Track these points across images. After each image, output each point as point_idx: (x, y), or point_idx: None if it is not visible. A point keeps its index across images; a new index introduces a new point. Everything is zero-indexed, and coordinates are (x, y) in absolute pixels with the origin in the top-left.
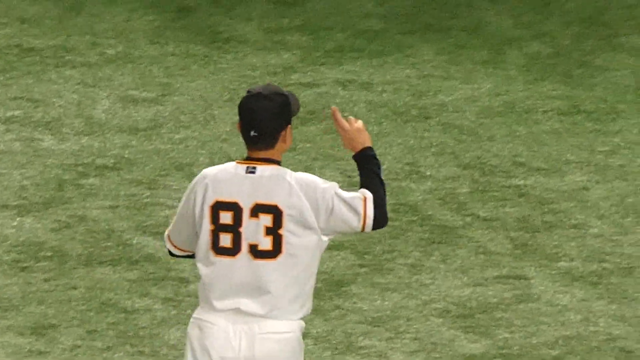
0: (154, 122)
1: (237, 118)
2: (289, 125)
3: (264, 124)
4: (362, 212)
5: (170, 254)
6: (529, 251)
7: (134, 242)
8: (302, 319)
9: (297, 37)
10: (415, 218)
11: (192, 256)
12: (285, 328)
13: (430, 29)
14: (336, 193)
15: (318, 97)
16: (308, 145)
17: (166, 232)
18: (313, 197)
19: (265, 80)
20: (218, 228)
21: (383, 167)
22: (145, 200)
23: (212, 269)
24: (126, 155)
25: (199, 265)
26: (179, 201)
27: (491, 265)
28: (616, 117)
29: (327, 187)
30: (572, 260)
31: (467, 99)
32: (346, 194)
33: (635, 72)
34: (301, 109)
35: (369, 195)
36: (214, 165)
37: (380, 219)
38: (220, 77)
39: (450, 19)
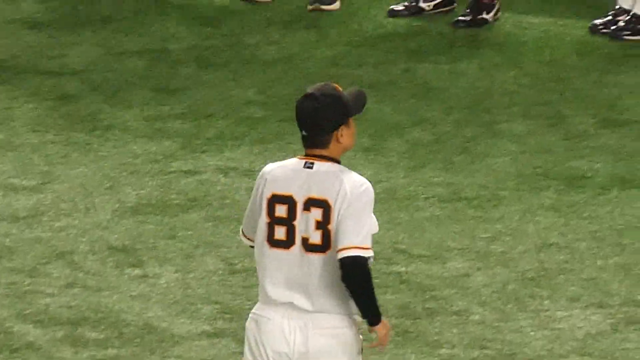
0: (35, 210)
1: (117, 206)
2: (343, 125)
3: (313, 124)
4: (353, 244)
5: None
6: (410, 338)
7: (15, 329)
8: (356, 314)
9: (178, 125)
10: None
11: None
12: (338, 323)
13: None
14: (367, 213)
15: (199, 184)
16: (189, 232)
17: (241, 228)
18: (352, 202)
19: (147, 168)
20: (274, 221)
21: None
22: (26, 288)
23: (267, 260)
24: (7, 244)
25: (257, 256)
26: (59, 289)
27: (372, 352)
28: (497, 203)
29: (365, 202)
30: (453, 347)
31: None
32: (364, 224)
33: (515, 158)
34: (182, 197)
35: (368, 253)
36: (93, 253)
37: (353, 270)
38: (101, 165)
39: None
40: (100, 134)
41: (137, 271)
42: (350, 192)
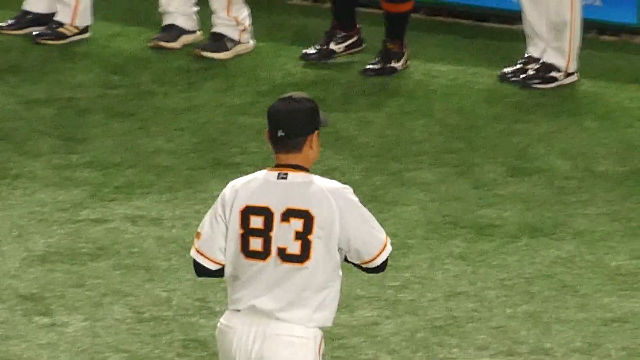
0: None
1: (26, 254)
2: (317, 132)
3: (291, 124)
4: (380, 248)
5: (200, 273)
6: None
7: None
8: (320, 328)
9: (87, 173)
10: (204, 354)
11: (222, 273)
12: (298, 333)
13: (219, 164)
14: (364, 215)
15: (107, 233)
16: (98, 281)
17: (193, 251)
18: (344, 210)
19: (55, 217)
20: (248, 232)
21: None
22: None
23: (241, 271)
24: None
25: (228, 269)
26: None
27: None
28: (407, 251)
29: (356, 202)
30: None
31: None
32: (372, 224)
33: (425, 207)
34: (90, 245)
35: (389, 247)
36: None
37: (384, 266)
38: (9, 214)
39: (239, 154)
40: (8, 183)
41: (45, 320)
42: (335, 202)
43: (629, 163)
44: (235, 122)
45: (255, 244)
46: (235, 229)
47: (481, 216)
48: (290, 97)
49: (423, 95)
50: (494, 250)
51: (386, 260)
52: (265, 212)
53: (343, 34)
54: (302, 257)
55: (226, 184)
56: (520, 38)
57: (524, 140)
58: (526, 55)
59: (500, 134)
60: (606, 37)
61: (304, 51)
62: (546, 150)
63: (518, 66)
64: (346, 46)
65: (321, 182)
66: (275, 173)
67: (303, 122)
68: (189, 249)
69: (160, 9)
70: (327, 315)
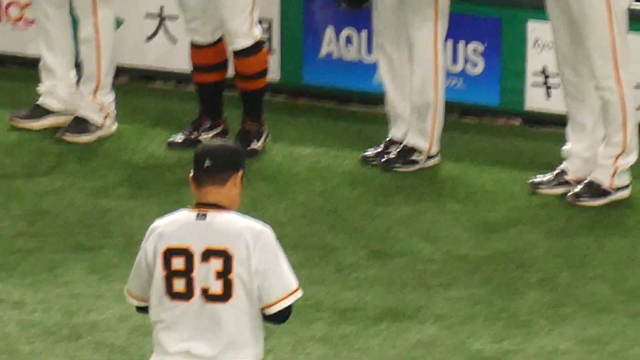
0: None
1: None
2: (242, 173)
3: (218, 155)
4: (286, 294)
5: (138, 309)
6: None
7: None
8: (261, 357)
9: None
10: None
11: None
12: None
13: (81, 248)
14: (280, 257)
15: None
16: None
17: (125, 288)
18: (260, 249)
19: None
20: (171, 274)
21: None
22: None
23: (168, 314)
24: None
25: (153, 311)
26: None
27: None
28: (268, 335)
29: (274, 245)
30: None
31: (119, 318)
32: (284, 269)
33: None
34: None
35: (298, 293)
36: None
37: (286, 315)
38: None
39: (101, 238)
40: None
41: None
42: (252, 241)
43: (490, 246)
44: (97, 205)
45: (179, 285)
46: (159, 272)
47: (343, 300)
48: (215, 140)
49: (285, 178)
50: (355, 334)
51: (289, 309)
52: (186, 253)
53: (209, 123)
54: (225, 296)
55: (89, 267)
56: (383, 120)
57: (385, 223)
58: (387, 138)
59: (362, 217)
60: (468, 119)
61: (170, 139)
62: (407, 233)
63: (380, 149)
64: (212, 135)
65: (240, 221)
66: (195, 213)
67: (229, 157)
68: (52, 333)
69: (39, 88)
70: (261, 350)
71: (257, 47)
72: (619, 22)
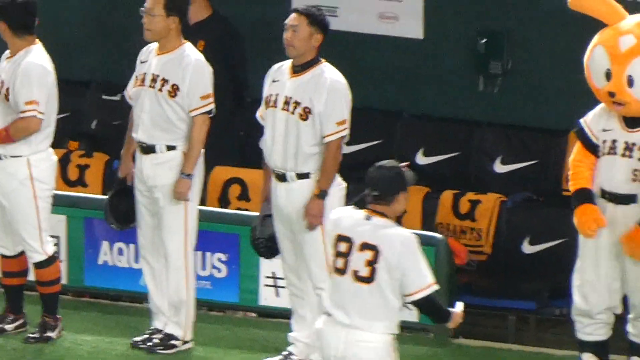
0: None
1: None
2: (402, 192)
3: (381, 188)
4: (422, 287)
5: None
6: None
7: None
8: (388, 334)
9: None
10: None
11: None
12: (371, 339)
13: None
14: (418, 260)
15: None
16: None
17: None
18: (404, 252)
19: None
20: (337, 253)
21: None
22: None
23: (329, 282)
24: None
25: (327, 280)
26: None
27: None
28: None
29: (414, 249)
30: None
31: None
32: (422, 267)
33: None
34: None
35: (432, 288)
36: None
37: (427, 303)
38: None
39: None
40: None
41: None
42: (398, 243)
43: None
44: None
45: (339, 263)
46: (330, 249)
47: None
48: (381, 166)
49: None
50: None
51: (428, 299)
52: (349, 241)
53: (12, 316)
54: (369, 279)
55: None
56: (147, 314)
57: None
58: (152, 327)
59: None
60: (214, 313)
61: None
62: None
63: (146, 336)
64: (15, 326)
65: (395, 229)
66: (365, 214)
67: (389, 186)
68: None
69: None
70: (393, 325)
71: (49, 260)
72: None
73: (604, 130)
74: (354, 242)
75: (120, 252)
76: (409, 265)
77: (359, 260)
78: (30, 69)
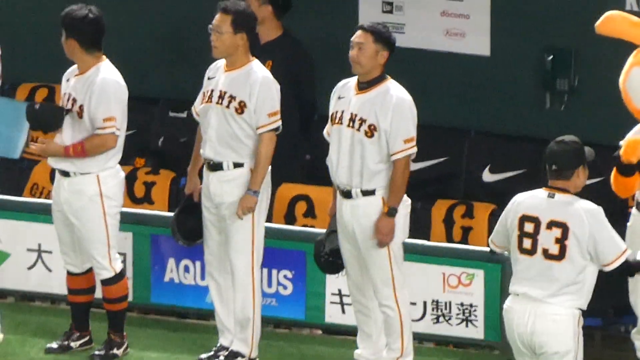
0: None
1: None
2: (582, 166)
3: (560, 162)
4: (617, 254)
5: (491, 252)
6: None
7: None
8: (578, 308)
9: None
10: None
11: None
12: (560, 312)
13: None
14: (607, 229)
15: None
16: None
17: (490, 238)
18: (594, 225)
19: None
20: (522, 234)
21: None
22: None
23: (517, 263)
24: None
25: (512, 260)
26: None
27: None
28: None
29: (603, 221)
30: None
31: None
32: (614, 236)
33: None
34: None
35: (627, 253)
36: None
37: (626, 269)
38: None
39: None
40: None
41: None
42: (586, 217)
43: None
44: None
45: (526, 243)
46: (515, 231)
47: None
48: (562, 141)
49: None
50: None
51: (625, 264)
52: (535, 221)
53: (78, 334)
54: (560, 256)
55: None
56: (214, 331)
57: None
58: (218, 344)
59: None
60: (280, 330)
61: (47, 345)
62: None
63: (212, 353)
64: (80, 343)
65: (579, 203)
66: (547, 192)
67: (570, 161)
68: None
69: None
70: (582, 301)
71: (117, 277)
72: (395, 254)
73: None
74: (540, 221)
75: (187, 269)
76: (600, 237)
77: (548, 239)
78: (108, 86)
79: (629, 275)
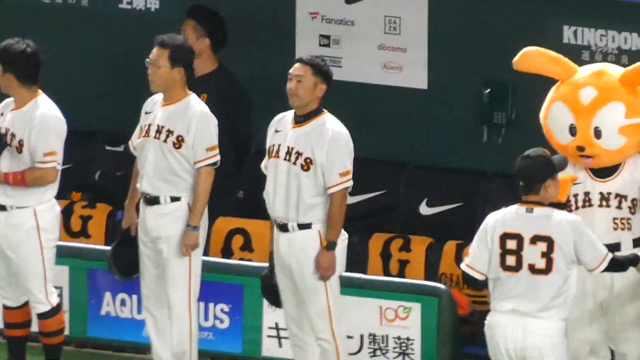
0: None
1: None
2: (550, 179)
3: (527, 178)
4: (600, 260)
5: (473, 281)
6: None
7: None
8: (562, 320)
9: None
10: None
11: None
12: (549, 326)
13: None
14: (589, 237)
15: None
16: None
17: (464, 265)
18: (576, 235)
19: None
20: (505, 252)
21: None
22: None
23: (499, 282)
24: None
25: (490, 280)
26: None
27: None
28: None
29: (585, 230)
30: None
31: None
32: (595, 242)
33: None
34: None
35: (609, 256)
36: None
37: (613, 267)
38: None
39: None
40: None
41: None
42: (568, 227)
43: None
44: None
45: (510, 260)
46: (496, 250)
47: None
48: (527, 156)
49: None
50: None
51: (610, 264)
52: (518, 237)
53: None
54: (547, 270)
55: None
56: None
57: None
58: None
59: None
60: None
61: None
62: None
63: None
64: None
65: (559, 215)
66: (524, 208)
67: (535, 176)
68: None
69: None
70: (567, 312)
71: (54, 311)
72: (332, 287)
73: (574, 184)
74: (523, 237)
75: (123, 302)
76: (583, 246)
77: (533, 254)
78: (48, 120)
79: (622, 271)
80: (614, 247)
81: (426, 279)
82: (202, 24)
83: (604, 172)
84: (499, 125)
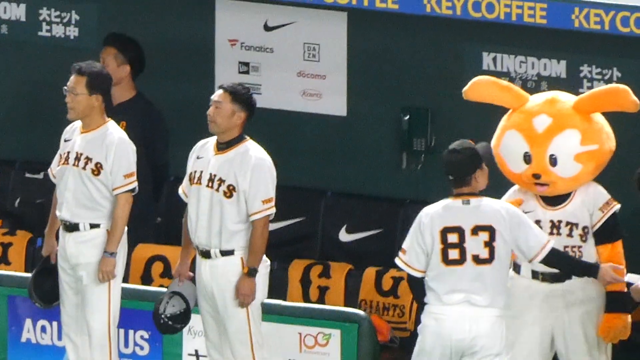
0: None
1: None
2: (478, 169)
3: (456, 171)
4: (540, 248)
5: (412, 279)
6: None
7: None
8: (503, 308)
9: None
10: None
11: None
12: (494, 313)
13: None
14: (527, 224)
15: None
16: None
17: (403, 264)
18: (514, 220)
19: None
20: (447, 246)
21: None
22: None
23: (441, 276)
24: None
25: (430, 275)
26: None
27: None
28: None
29: (521, 215)
30: None
31: None
32: (533, 229)
33: None
34: None
35: (551, 242)
36: None
37: (553, 259)
38: None
39: None
40: None
41: None
42: (506, 215)
43: None
44: None
45: (453, 254)
46: (437, 245)
47: None
48: (453, 150)
49: None
50: None
51: (552, 252)
52: (458, 230)
53: None
54: (490, 259)
55: None
56: None
57: None
58: None
59: None
60: None
61: None
62: None
63: None
64: None
65: (496, 204)
66: (460, 200)
67: (464, 168)
68: None
69: None
70: (507, 299)
71: None
72: (254, 314)
73: (525, 213)
74: (464, 229)
75: (44, 329)
76: (522, 232)
77: (476, 245)
78: None
79: (561, 267)
80: (565, 276)
81: (346, 305)
82: (123, 51)
83: (554, 200)
84: (418, 152)
